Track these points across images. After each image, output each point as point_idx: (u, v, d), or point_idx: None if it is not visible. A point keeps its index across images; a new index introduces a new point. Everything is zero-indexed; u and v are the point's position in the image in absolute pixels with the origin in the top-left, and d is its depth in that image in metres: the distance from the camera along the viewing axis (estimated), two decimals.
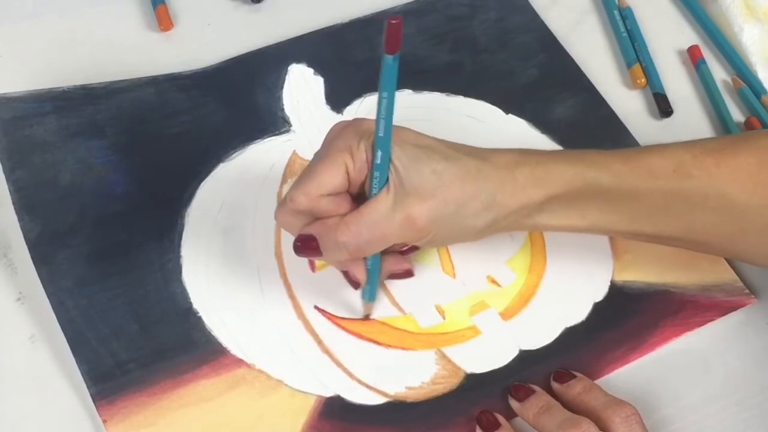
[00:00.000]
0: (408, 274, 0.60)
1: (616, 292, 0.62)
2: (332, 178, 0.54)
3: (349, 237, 0.54)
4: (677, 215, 0.56)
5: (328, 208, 0.55)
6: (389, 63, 0.49)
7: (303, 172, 0.55)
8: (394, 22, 0.47)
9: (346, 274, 0.57)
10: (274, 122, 0.69)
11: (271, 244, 0.63)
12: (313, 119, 0.69)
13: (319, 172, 0.54)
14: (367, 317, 0.60)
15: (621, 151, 0.58)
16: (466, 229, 0.55)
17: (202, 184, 0.65)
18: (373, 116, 0.53)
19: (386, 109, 0.52)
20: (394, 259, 0.59)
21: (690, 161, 0.56)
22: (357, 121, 0.56)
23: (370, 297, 0.59)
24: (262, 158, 0.67)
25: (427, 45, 0.74)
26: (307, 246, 0.55)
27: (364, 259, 0.57)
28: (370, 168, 0.54)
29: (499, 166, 0.55)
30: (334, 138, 0.55)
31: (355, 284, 0.57)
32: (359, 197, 0.56)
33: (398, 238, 0.55)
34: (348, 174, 0.54)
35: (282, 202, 0.56)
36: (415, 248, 0.59)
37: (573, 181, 0.55)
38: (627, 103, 0.73)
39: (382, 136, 0.53)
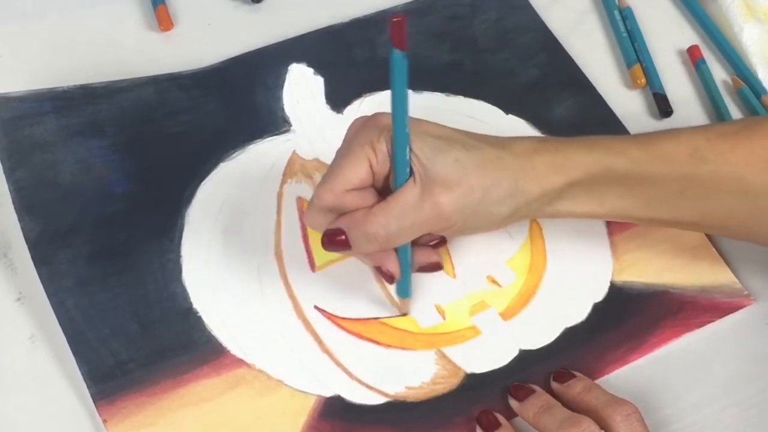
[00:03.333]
0: (437, 267, 0.60)
1: (615, 292, 0.62)
2: (356, 173, 0.54)
3: (378, 227, 0.54)
4: (693, 200, 0.57)
5: (354, 203, 0.55)
6: (398, 58, 0.50)
7: (327, 170, 0.56)
8: (396, 20, 0.48)
9: (379, 270, 0.57)
10: (274, 122, 0.69)
11: (271, 244, 0.63)
12: (313, 119, 0.69)
13: (342, 168, 0.55)
14: (405, 314, 0.60)
15: (637, 136, 0.58)
16: (491, 216, 0.56)
17: (202, 183, 0.65)
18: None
19: (399, 104, 0.52)
20: (423, 252, 0.59)
21: (705, 146, 0.56)
22: (376, 116, 0.56)
23: (403, 293, 0.59)
24: (262, 158, 0.67)
25: (427, 45, 0.74)
26: (335, 240, 0.55)
27: (396, 252, 0.57)
28: (393, 160, 0.54)
29: (518, 154, 0.56)
30: (355, 134, 0.56)
31: (390, 278, 0.57)
32: (384, 191, 0.56)
33: (427, 228, 0.55)
34: (371, 168, 0.55)
35: (309, 203, 0.56)
36: (443, 242, 0.60)
37: (592, 168, 0.56)
38: (627, 103, 0.73)
39: (399, 129, 0.53)
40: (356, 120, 0.57)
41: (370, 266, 0.59)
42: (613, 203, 0.57)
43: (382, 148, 0.54)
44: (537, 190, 0.55)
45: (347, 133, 0.57)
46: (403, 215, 0.54)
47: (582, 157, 0.56)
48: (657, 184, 0.56)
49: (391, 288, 0.60)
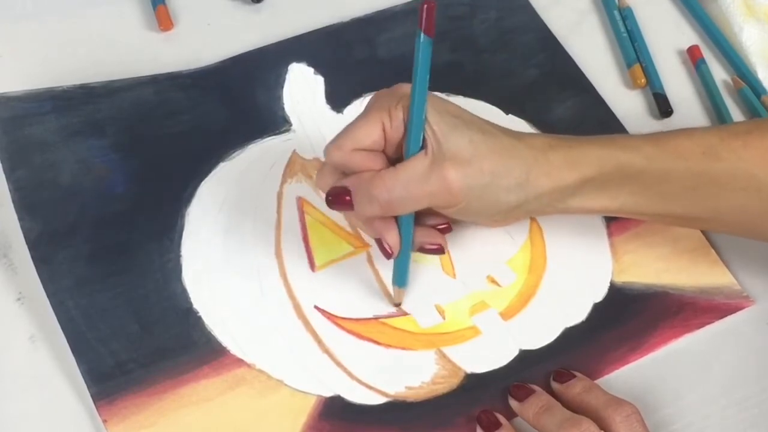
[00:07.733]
0: (439, 249, 0.59)
1: (615, 293, 0.62)
2: (368, 133, 0.55)
3: (382, 190, 0.54)
4: (706, 196, 0.57)
5: (362, 163, 0.55)
6: (424, 42, 0.52)
7: (340, 130, 0.56)
8: (427, 5, 0.50)
9: (379, 242, 0.57)
10: (274, 122, 0.69)
11: (271, 244, 0.63)
12: (313, 119, 0.69)
13: (355, 127, 0.55)
14: (398, 305, 0.60)
15: (650, 135, 0.59)
16: (497, 203, 0.56)
17: (202, 183, 0.65)
18: None
19: (421, 79, 0.53)
20: (428, 233, 0.59)
21: (718, 144, 0.57)
22: (398, 85, 0.57)
23: (400, 281, 0.59)
24: (262, 158, 0.67)
25: None
26: (339, 198, 0.56)
27: (398, 226, 0.57)
28: (407, 129, 0.54)
29: (533, 147, 0.56)
30: (374, 99, 0.57)
31: (388, 253, 0.57)
32: (396, 162, 0.56)
33: (431, 201, 0.55)
34: (384, 132, 0.55)
35: (320, 165, 0.56)
36: (449, 229, 0.60)
37: (606, 164, 0.56)
38: (627, 103, 0.73)
39: (418, 99, 0.53)
40: (379, 91, 0.58)
41: (372, 236, 0.59)
42: (625, 199, 0.58)
43: (399, 114, 0.55)
44: (548, 184, 0.56)
45: (368, 102, 0.57)
46: (410, 183, 0.54)
47: (596, 154, 0.56)
48: (670, 181, 0.57)
49: (388, 280, 0.60)
